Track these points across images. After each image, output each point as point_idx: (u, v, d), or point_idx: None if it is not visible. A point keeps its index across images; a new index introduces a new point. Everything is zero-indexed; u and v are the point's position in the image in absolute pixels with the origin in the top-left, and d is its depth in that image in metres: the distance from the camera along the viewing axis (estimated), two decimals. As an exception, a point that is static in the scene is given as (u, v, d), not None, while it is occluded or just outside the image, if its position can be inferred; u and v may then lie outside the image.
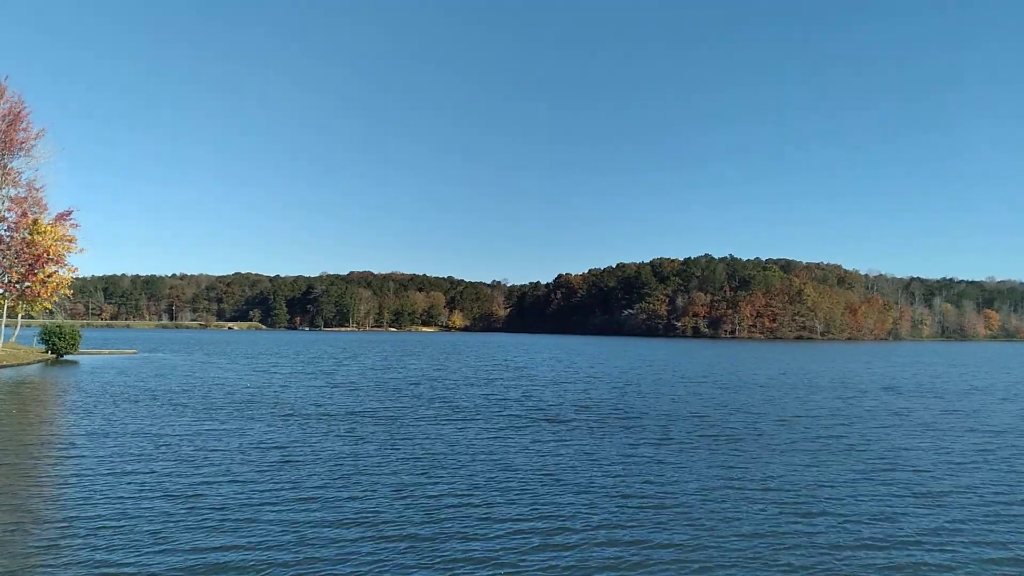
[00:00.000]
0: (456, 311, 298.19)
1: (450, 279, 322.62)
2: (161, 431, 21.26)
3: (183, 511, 12.40)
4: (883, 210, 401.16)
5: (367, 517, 12.24)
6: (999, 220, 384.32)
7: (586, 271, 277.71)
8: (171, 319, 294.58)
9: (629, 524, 12.12)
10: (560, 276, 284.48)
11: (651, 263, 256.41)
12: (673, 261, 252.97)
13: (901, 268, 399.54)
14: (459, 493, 14.15)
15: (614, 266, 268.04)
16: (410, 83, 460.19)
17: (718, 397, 34.19)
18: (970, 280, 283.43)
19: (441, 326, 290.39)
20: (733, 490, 14.72)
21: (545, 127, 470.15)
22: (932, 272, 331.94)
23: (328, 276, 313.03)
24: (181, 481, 14.73)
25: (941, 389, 40.72)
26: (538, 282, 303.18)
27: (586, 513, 12.79)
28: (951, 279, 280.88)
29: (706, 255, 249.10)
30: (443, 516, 12.43)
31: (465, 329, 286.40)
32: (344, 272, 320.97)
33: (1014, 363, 77.97)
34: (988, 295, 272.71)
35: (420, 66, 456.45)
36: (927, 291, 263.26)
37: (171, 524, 11.58)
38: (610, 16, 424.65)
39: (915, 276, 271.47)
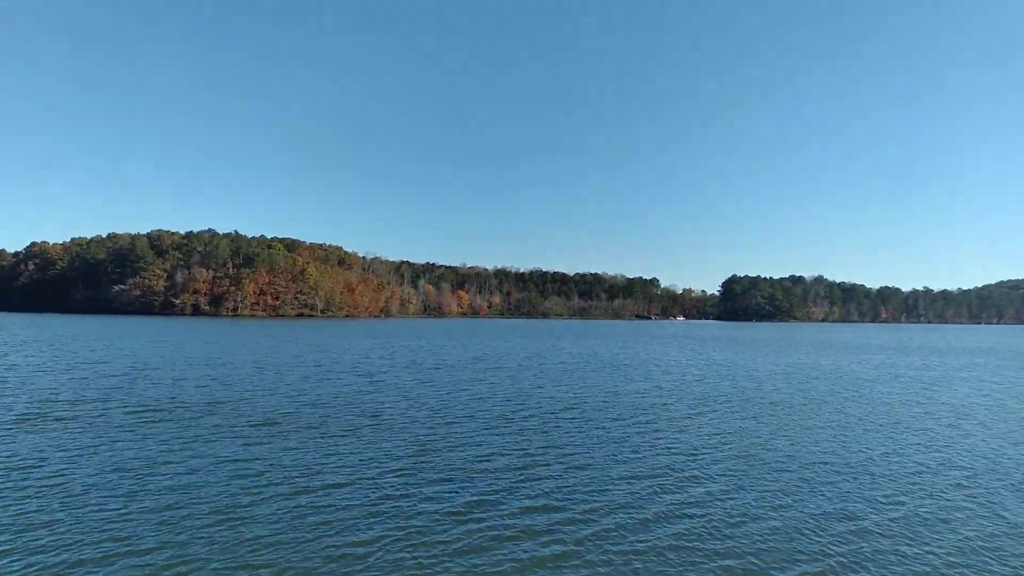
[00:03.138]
0: None
1: None
2: None
3: None
4: (380, 200, 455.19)
5: None
6: (469, 216, 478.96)
7: (68, 240, 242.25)
8: None
9: (175, 541, 11.13)
10: (34, 244, 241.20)
11: (148, 235, 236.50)
12: (173, 234, 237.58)
13: (393, 252, 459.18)
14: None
15: (104, 236, 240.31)
16: None
17: (246, 381, 33.45)
18: (447, 265, 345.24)
19: None
20: (298, 482, 15.33)
21: None
22: (418, 257, 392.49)
23: None
24: None
25: (457, 363, 46.37)
26: (3, 250, 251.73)
27: (108, 529, 11.59)
28: (433, 264, 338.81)
29: (210, 230, 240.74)
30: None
31: None
32: None
33: (492, 336, 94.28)
34: (461, 279, 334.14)
35: None
36: (414, 274, 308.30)
37: None
38: None
39: (405, 260, 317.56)
